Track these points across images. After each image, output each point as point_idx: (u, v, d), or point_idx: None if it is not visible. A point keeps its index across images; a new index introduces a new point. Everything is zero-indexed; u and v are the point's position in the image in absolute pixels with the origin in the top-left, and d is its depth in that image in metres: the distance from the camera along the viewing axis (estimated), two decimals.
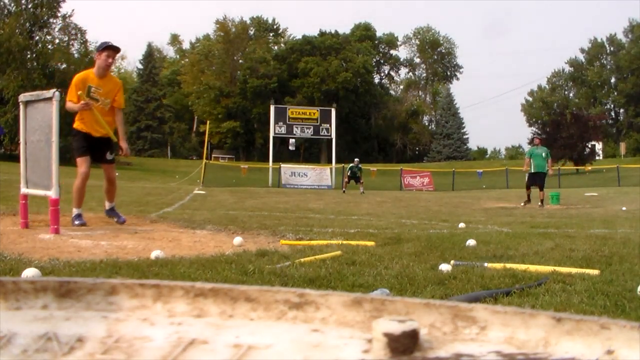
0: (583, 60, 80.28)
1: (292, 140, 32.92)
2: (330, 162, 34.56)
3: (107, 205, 5.97)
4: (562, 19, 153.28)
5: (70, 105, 5.65)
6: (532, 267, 3.39)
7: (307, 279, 2.96)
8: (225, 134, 74.87)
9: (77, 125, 5.76)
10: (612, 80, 76.43)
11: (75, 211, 5.66)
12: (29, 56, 47.18)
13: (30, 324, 0.59)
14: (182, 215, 7.35)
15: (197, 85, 74.90)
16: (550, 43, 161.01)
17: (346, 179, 23.04)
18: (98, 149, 5.76)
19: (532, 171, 13.92)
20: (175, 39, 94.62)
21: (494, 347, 0.54)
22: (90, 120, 5.69)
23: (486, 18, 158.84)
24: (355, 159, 24.50)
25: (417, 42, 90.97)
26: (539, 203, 13.31)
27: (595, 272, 3.25)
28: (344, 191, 22.07)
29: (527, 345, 0.54)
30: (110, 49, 5.73)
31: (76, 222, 5.60)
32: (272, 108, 30.89)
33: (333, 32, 79.91)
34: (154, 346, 0.56)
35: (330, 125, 31.07)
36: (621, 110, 76.75)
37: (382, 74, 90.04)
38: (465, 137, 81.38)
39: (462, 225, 6.85)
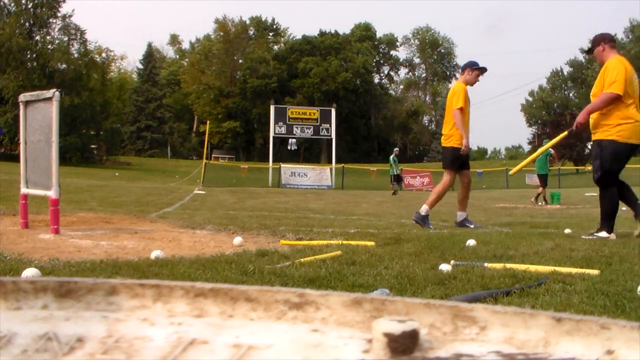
0: (583, 60, 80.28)
1: (292, 140, 32.87)
2: (330, 162, 34.54)
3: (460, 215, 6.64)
4: (562, 19, 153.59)
5: (460, 119, 6.27)
6: (532, 267, 3.38)
7: (307, 279, 2.96)
8: (225, 134, 74.88)
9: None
10: None
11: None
12: (28, 56, 47.22)
13: (30, 324, 0.59)
14: (182, 215, 7.35)
15: (197, 85, 74.91)
16: (550, 43, 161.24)
17: (395, 172, 20.93)
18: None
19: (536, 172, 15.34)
20: (175, 39, 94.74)
21: (494, 347, 0.54)
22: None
23: (486, 18, 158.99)
24: (395, 149, 23.27)
25: (417, 42, 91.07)
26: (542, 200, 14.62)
27: (595, 272, 3.25)
28: (394, 193, 19.86)
29: (527, 345, 0.54)
30: (483, 72, 6.56)
31: (471, 226, 6.37)
32: (272, 108, 30.86)
33: (333, 32, 79.95)
34: (154, 346, 0.56)
35: (330, 125, 31.05)
36: None
37: (382, 74, 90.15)
38: None
39: None
